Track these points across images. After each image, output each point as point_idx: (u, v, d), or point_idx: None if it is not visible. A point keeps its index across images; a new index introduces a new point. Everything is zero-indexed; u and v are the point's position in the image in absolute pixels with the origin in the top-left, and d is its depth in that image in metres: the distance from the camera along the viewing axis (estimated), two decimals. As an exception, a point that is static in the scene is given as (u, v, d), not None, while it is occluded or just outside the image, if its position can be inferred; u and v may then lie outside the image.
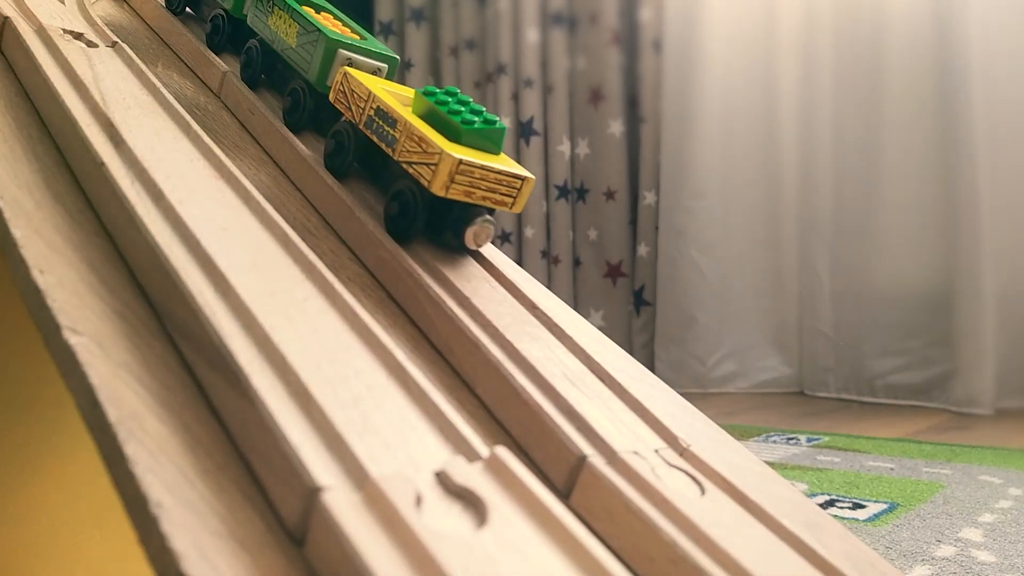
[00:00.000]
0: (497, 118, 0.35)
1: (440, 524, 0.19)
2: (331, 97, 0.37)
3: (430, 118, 0.34)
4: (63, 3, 0.44)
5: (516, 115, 1.72)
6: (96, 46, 0.39)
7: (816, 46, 1.45)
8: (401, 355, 0.24)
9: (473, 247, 0.34)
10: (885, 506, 0.74)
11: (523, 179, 0.34)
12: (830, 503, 0.76)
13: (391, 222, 0.34)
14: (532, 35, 1.69)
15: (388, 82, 0.38)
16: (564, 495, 0.25)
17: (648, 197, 1.63)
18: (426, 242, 0.34)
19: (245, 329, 0.23)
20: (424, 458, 0.21)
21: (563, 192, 1.69)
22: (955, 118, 1.33)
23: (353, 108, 0.36)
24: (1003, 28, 1.31)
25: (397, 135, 0.34)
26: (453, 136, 0.33)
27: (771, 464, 0.76)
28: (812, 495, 0.79)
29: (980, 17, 1.31)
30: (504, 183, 0.33)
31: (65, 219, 0.28)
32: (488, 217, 0.34)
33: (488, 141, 0.34)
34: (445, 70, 1.82)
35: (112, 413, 0.20)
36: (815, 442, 1.05)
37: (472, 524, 0.19)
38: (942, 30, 1.34)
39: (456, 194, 0.32)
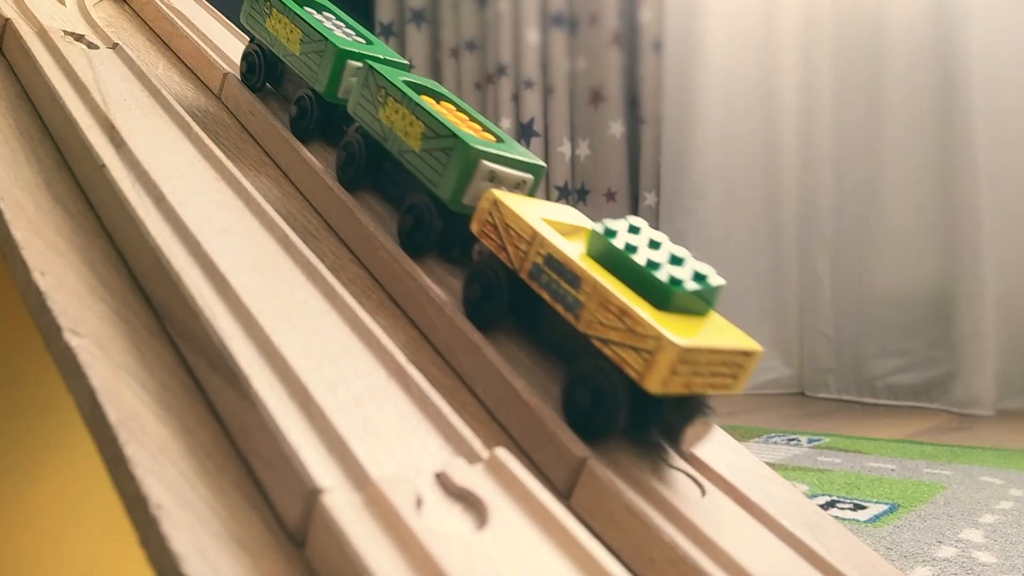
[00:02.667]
0: (710, 271, 0.27)
1: (440, 525, 0.19)
2: (474, 228, 0.30)
3: (617, 268, 0.27)
4: (64, 5, 0.44)
5: (516, 116, 1.72)
6: (97, 48, 0.39)
7: (816, 47, 1.45)
8: (401, 356, 0.24)
9: (689, 450, 0.27)
10: (886, 507, 0.74)
11: (752, 354, 0.26)
12: (831, 504, 0.76)
13: (585, 418, 0.26)
14: (532, 36, 1.69)
15: (538, 201, 0.31)
16: (565, 496, 0.25)
17: (648, 198, 1.63)
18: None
19: (246, 330, 0.23)
20: (424, 459, 0.21)
21: (564, 193, 1.69)
22: (956, 119, 1.33)
23: (509, 249, 0.29)
24: (1004, 30, 1.31)
25: (583, 298, 0.26)
26: (657, 299, 0.26)
27: (772, 465, 0.76)
28: (813, 496, 0.79)
29: (981, 18, 1.31)
30: (730, 362, 0.26)
31: (66, 221, 0.28)
32: (709, 408, 0.27)
33: (700, 300, 0.27)
34: (446, 71, 1.82)
35: (113, 414, 0.20)
36: (816, 443, 1.05)
37: (472, 525, 0.19)
38: (943, 32, 1.34)
39: (673, 387, 0.25)
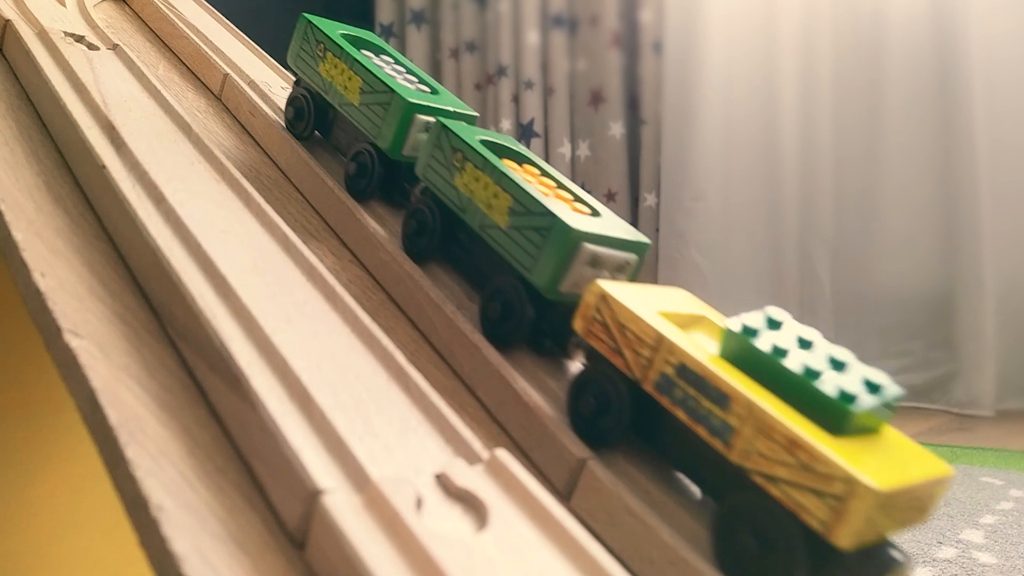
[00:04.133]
0: (882, 377, 0.23)
1: (440, 526, 0.19)
2: (579, 326, 0.26)
3: (767, 378, 0.22)
4: (64, 6, 0.44)
5: (516, 117, 1.72)
6: (97, 49, 0.39)
7: (816, 48, 1.45)
8: (402, 357, 0.24)
9: None
10: (886, 508, 0.74)
11: (945, 481, 0.22)
12: (831, 505, 0.76)
13: (750, 566, 0.22)
14: (532, 37, 1.69)
15: (648, 288, 0.27)
16: (565, 497, 0.25)
17: (648, 199, 1.63)
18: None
19: (246, 332, 0.23)
20: (424, 460, 0.21)
21: (564, 194, 1.69)
22: (956, 120, 1.33)
23: (627, 354, 0.24)
24: (1004, 30, 1.31)
25: (734, 422, 0.22)
26: (829, 420, 0.21)
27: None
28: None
29: (981, 19, 1.31)
30: (924, 495, 0.21)
31: (66, 222, 0.28)
32: (902, 557, 0.22)
33: (877, 417, 0.23)
34: (446, 72, 1.82)
35: (113, 416, 0.20)
36: (816, 444, 1.05)
37: (472, 526, 0.19)
38: (943, 32, 1.34)
39: (867, 538, 0.20)
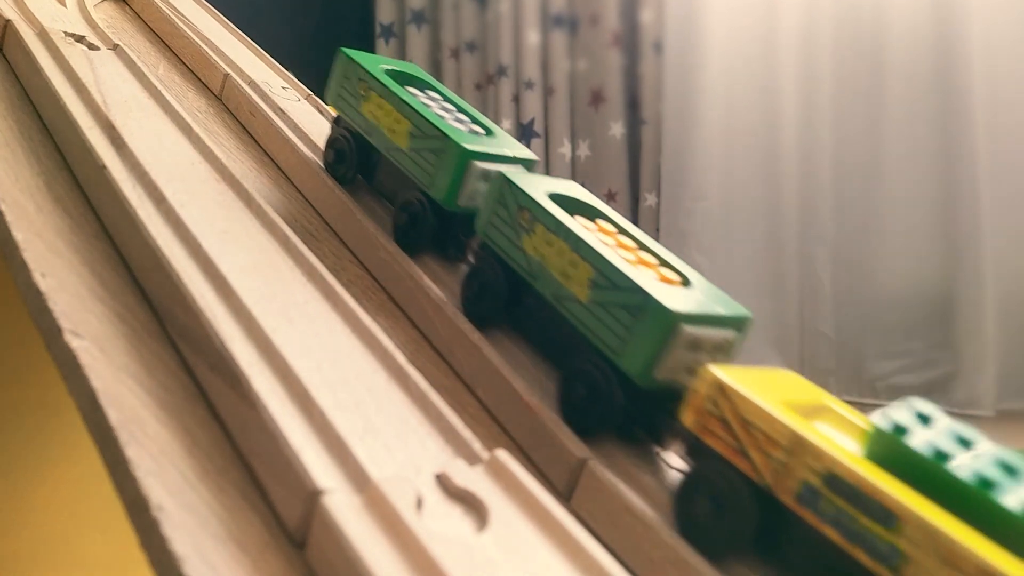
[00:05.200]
0: None
1: (441, 527, 0.19)
2: (689, 421, 0.23)
3: (930, 487, 0.19)
4: (64, 6, 0.44)
5: (517, 117, 1.71)
6: (98, 49, 0.39)
7: (817, 48, 1.45)
8: (402, 357, 0.24)
9: None
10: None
11: None
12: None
13: None
14: (533, 37, 1.69)
15: (759, 372, 0.24)
16: (565, 497, 0.25)
17: (649, 199, 1.63)
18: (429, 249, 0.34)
19: (246, 332, 0.23)
20: (425, 460, 0.21)
21: (564, 194, 1.69)
22: (956, 120, 1.33)
23: (754, 456, 0.21)
24: (1004, 29, 1.31)
25: (905, 547, 0.18)
26: (1013, 539, 0.18)
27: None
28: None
29: (981, 18, 1.31)
30: None
31: (66, 222, 0.28)
32: None
33: None
34: (446, 72, 1.82)
35: (113, 416, 0.20)
36: (816, 444, 1.05)
37: (473, 527, 0.19)
38: (943, 32, 1.34)
39: None
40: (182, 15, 0.49)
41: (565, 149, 1.69)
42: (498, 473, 0.21)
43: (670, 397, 0.25)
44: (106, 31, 0.41)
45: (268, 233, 0.28)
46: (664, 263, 0.28)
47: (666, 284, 0.26)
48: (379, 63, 0.36)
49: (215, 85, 0.43)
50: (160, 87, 0.36)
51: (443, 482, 0.20)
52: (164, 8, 0.49)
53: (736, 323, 0.26)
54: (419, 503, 0.19)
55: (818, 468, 0.20)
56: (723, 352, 0.26)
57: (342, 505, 0.18)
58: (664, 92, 1.57)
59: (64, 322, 0.23)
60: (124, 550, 0.36)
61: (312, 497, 0.18)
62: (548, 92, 1.70)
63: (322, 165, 0.37)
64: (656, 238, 1.62)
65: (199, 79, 0.44)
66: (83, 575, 0.45)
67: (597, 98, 1.67)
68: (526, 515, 0.20)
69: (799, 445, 0.20)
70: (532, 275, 0.28)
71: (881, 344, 1.41)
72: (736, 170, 1.53)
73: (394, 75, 0.36)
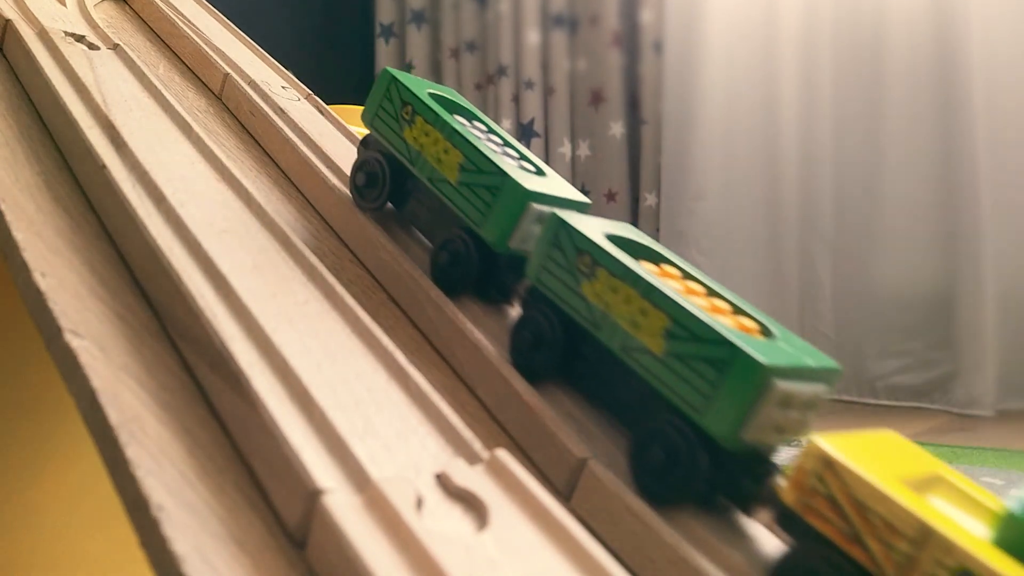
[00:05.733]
0: None
1: (441, 526, 0.19)
2: (791, 498, 0.21)
3: None
4: (64, 6, 0.44)
5: (517, 117, 1.72)
6: (98, 48, 0.39)
7: (817, 48, 1.45)
8: (402, 357, 0.24)
9: None
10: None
11: None
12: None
13: None
14: (533, 37, 1.69)
15: (864, 436, 0.22)
16: (565, 497, 0.25)
17: (649, 199, 1.63)
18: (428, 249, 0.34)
19: (246, 331, 0.23)
20: (425, 460, 0.21)
21: (564, 194, 1.69)
22: (956, 120, 1.33)
23: (871, 544, 0.19)
24: (1004, 29, 1.31)
25: None
26: None
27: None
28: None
29: (981, 18, 1.31)
30: None
31: (66, 222, 0.28)
32: None
33: None
34: (446, 72, 1.82)
35: (113, 416, 0.20)
36: (816, 444, 1.05)
37: (473, 526, 0.19)
38: (943, 32, 1.34)
39: None
40: (182, 15, 0.49)
41: (565, 149, 1.69)
42: (498, 473, 0.21)
43: (756, 460, 0.23)
44: (106, 31, 0.41)
45: (268, 233, 0.28)
46: (738, 310, 0.26)
47: (748, 334, 0.24)
48: (424, 87, 0.34)
49: (215, 85, 0.43)
50: (160, 87, 0.36)
51: (443, 482, 0.20)
52: (164, 8, 0.49)
53: (827, 376, 0.24)
54: (419, 503, 0.19)
55: (950, 564, 0.18)
56: (812, 409, 0.24)
57: (342, 505, 0.18)
58: (664, 92, 1.58)
59: (64, 321, 0.23)
60: (124, 550, 0.36)
61: (312, 497, 0.18)
62: (548, 92, 1.70)
63: (322, 166, 0.37)
64: (656, 238, 1.62)
65: (199, 79, 0.44)
66: (83, 574, 0.45)
67: (597, 98, 1.67)
68: (526, 515, 0.20)
69: (927, 537, 0.18)
70: (594, 324, 0.25)
71: (881, 344, 1.41)
72: (736, 170, 1.53)
73: (437, 101, 0.34)
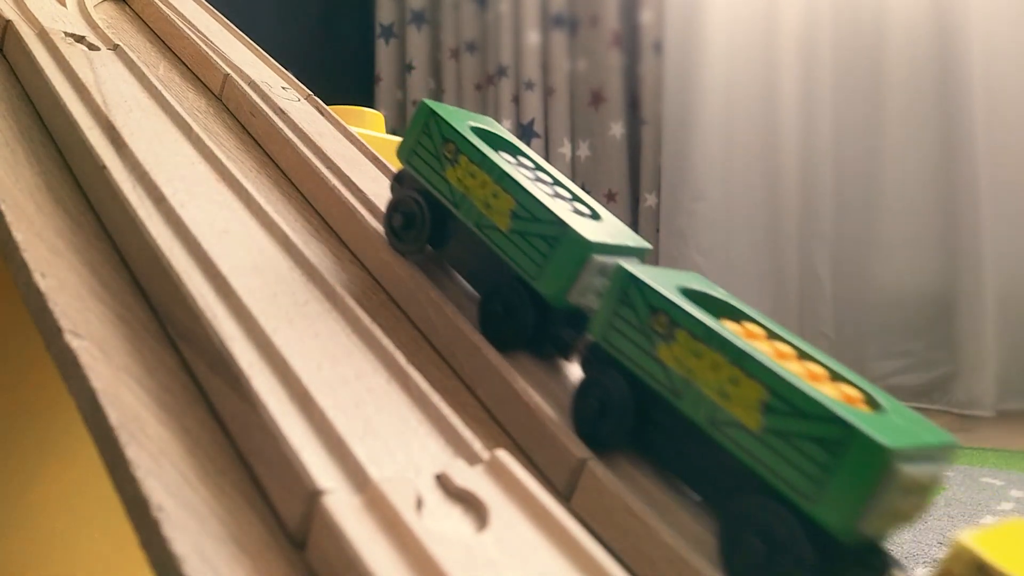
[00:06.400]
0: None
1: (441, 527, 0.19)
2: None
3: None
4: (65, 6, 0.44)
5: (517, 117, 1.72)
6: (98, 49, 0.39)
7: (817, 49, 1.45)
8: (402, 358, 0.24)
9: None
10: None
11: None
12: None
13: None
14: (533, 37, 1.69)
15: (1008, 527, 0.20)
16: (565, 497, 0.25)
17: (649, 199, 1.63)
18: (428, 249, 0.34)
19: (246, 332, 0.23)
20: (425, 461, 0.21)
21: (564, 194, 1.69)
22: (956, 121, 1.33)
23: None
24: (1005, 29, 1.31)
25: None
26: None
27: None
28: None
29: (981, 19, 1.31)
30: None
31: (67, 222, 0.28)
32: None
33: None
34: (446, 72, 1.82)
35: (113, 416, 0.20)
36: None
37: (473, 527, 0.19)
38: (943, 33, 1.34)
39: None
40: (182, 15, 0.49)
41: (565, 149, 1.69)
42: (498, 473, 0.21)
43: (868, 551, 0.21)
44: (106, 31, 0.41)
45: (268, 233, 0.28)
46: (837, 376, 0.23)
47: (858, 408, 0.21)
48: (463, 119, 0.32)
49: (215, 85, 0.43)
50: (160, 87, 0.36)
51: (443, 482, 0.20)
52: (164, 8, 0.49)
53: (945, 454, 0.21)
54: (419, 503, 0.19)
55: None
56: (929, 492, 0.21)
57: (342, 505, 0.18)
58: (664, 92, 1.58)
59: (64, 322, 0.23)
60: (124, 550, 0.36)
61: (312, 497, 0.19)
62: (548, 92, 1.70)
63: (322, 166, 0.37)
64: (656, 238, 1.62)
65: (199, 79, 0.44)
66: (83, 574, 0.45)
67: (597, 98, 1.67)
68: (526, 515, 0.20)
69: None
70: (675, 392, 0.23)
71: (881, 344, 1.41)
72: (736, 170, 1.53)
73: (479, 135, 0.31)
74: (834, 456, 0.20)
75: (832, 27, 1.44)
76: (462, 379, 0.29)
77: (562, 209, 0.28)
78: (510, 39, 1.71)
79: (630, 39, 1.65)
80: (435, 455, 0.21)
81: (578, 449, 0.25)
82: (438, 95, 1.83)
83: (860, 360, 1.42)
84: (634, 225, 1.66)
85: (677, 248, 1.54)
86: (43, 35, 0.37)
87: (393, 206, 0.32)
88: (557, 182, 0.31)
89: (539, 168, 0.32)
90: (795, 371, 0.22)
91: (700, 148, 1.53)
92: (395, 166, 0.41)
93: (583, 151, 1.69)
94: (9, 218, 0.27)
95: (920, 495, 0.21)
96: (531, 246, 0.28)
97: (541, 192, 0.28)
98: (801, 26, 1.47)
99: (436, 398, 0.23)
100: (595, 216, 0.29)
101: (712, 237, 1.53)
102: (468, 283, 0.32)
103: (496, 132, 0.33)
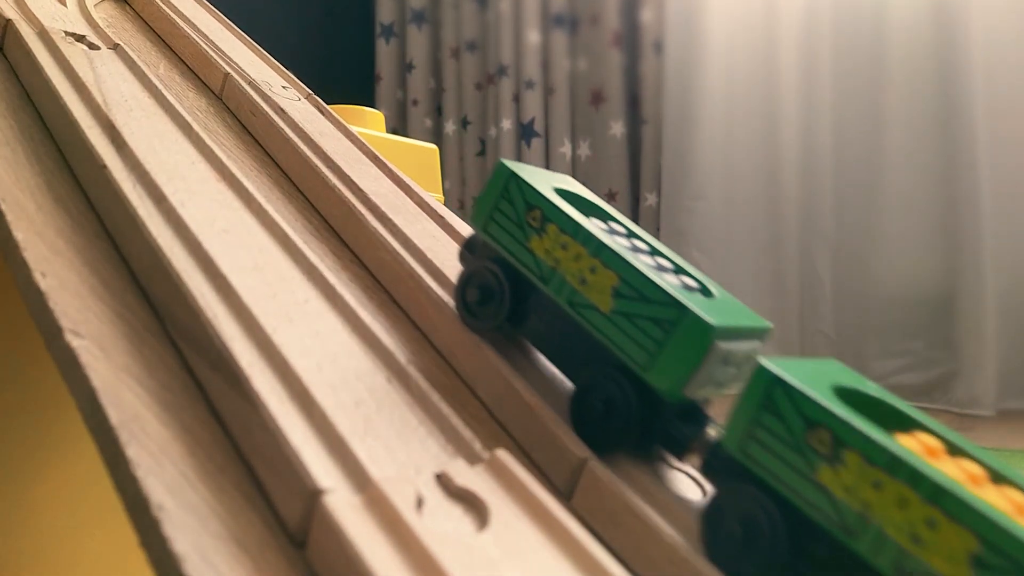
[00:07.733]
0: None
1: (441, 526, 0.19)
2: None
3: None
4: (65, 5, 0.44)
5: (517, 117, 1.72)
6: (98, 48, 0.39)
7: (817, 48, 1.45)
8: (402, 357, 0.24)
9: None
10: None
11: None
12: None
13: None
14: (533, 36, 1.69)
15: None
16: (565, 497, 0.25)
17: (649, 198, 1.63)
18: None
19: (246, 331, 0.23)
20: (425, 460, 0.21)
21: (564, 193, 1.69)
22: (957, 119, 1.33)
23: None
24: (1005, 30, 1.31)
25: None
26: None
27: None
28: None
29: (981, 19, 1.31)
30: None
31: (67, 221, 0.28)
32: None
33: None
34: (446, 71, 1.82)
35: (114, 415, 0.20)
36: (816, 443, 1.05)
37: (473, 526, 0.19)
38: (943, 32, 1.34)
39: None
40: (182, 14, 0.49)
41: (565, 149, 1.69)
42: (498, 473, 0.21)
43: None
44: (106, 30, 0.41)
45: (268, 232, 0.28)
46: (1006, 478, 0.21)
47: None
48: (547, 180, 0.28)
49: (215, 85, 0.43)
50: (160, 86, 0.36)
51: (443, 482, 0.20)
52: (164, 7, 0.49)
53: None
54: (419, 503, 0.19)
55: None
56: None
57: (342, 505, 0.18)
58: (664, 92, 1.58)
59: (64, 321, 0.23)
60: (124, 550, 0.36)
61: (312, 497, 0.19)
62: (548, 92, 1.70)
63: (322, 166, 0.37)
64: (656, 238, 1.62)
65: (199, 79, 0.44)
66: (83, 574, 0.45)
67: (597, 98, 1.67)
68: (526, 515, 0.20)
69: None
70: (846, 530, 0.19)
71: (881, 344, 1.41)
72: (736, 170, 1.53)
73: (564, 197, 0.28)
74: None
75: (832, 27, 1.44)
76: (462, 378, 0.29)
77: (674, 286, 0.25)
78: (510, 38, 1.71)
79: (630, 39, 1.65)
80: (435, 454, 0.21)
81: (578, 448, 0.25)
82: (438, 94, 1.83)
83: (860, 359, 1.42)
84: (635, 224, 1.65)
85: (677, 247, 1.54)
86: (43, 34, 0.37)
87: (466, 279, 0.29)
88: (656, 251, 0.28)
89: (633, 235, 0.28)
90: (983, 495, 0.19)
91: (700, 147, 1.53)
92: (395, 165, 0.41)
93: (583, 150, 1.69)
94: (9, 217, 0.27)
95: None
96: (639, 330, 0.24)
97: (646, 266, 0.25)
98: (801, 26, 1.47)
99: (436, 397, 0.23)
100: (706, 292, 0.26)
101: (712, 236, 1.53)
102: (551, 363, 0.28)
103: (581, 194, 0.30)
